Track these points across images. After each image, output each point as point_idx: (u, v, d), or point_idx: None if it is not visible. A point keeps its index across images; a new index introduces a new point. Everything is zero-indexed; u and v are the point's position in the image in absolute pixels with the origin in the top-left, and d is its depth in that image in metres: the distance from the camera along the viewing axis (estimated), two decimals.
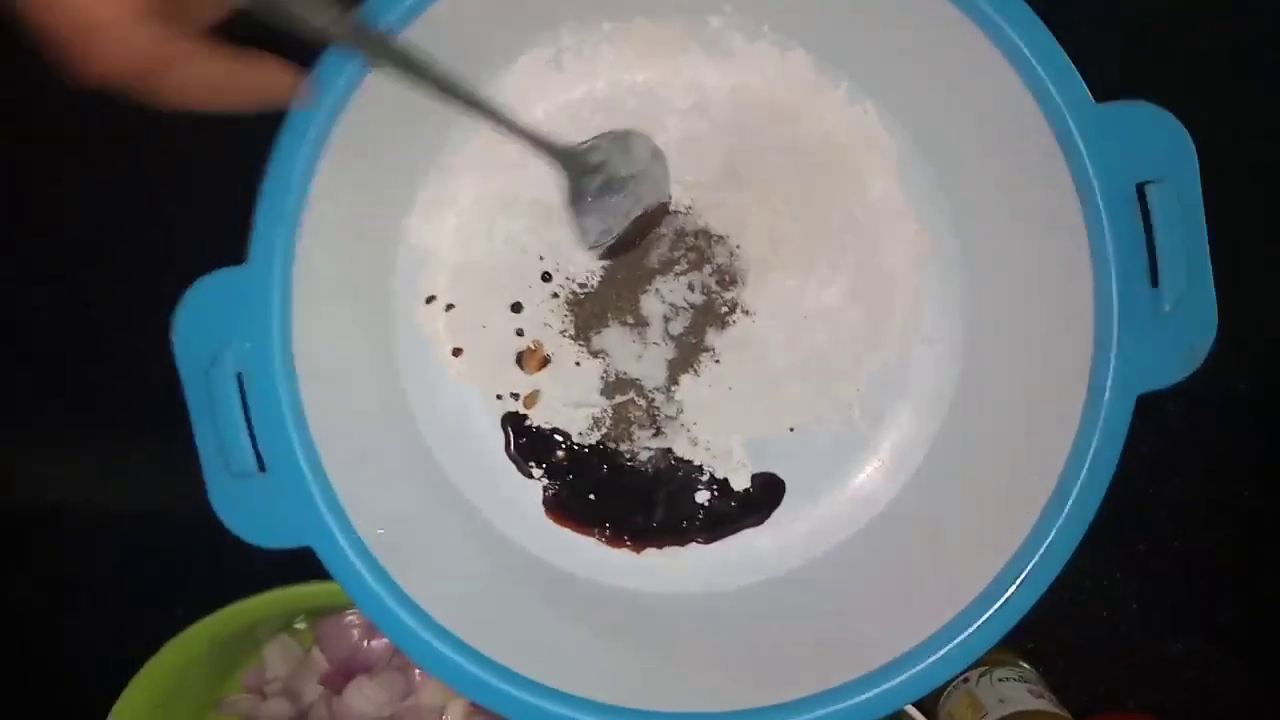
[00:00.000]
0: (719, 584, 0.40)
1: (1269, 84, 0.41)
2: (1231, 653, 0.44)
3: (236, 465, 0.31)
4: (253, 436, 0.32)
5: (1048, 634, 0.43)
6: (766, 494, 0.40)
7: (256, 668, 0.42)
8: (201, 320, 0.31)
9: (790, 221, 0.39)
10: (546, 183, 0.38)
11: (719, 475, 0.40)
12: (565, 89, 0.39)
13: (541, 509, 0.40)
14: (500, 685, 0.33)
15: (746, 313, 0.39)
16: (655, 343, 0.39)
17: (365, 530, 0.32)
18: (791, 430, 0.40)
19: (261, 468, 0.32)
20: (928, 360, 0.39)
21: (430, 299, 0.40)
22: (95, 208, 0.43)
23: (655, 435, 0.40)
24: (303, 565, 0.33)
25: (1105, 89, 0.31)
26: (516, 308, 0.40)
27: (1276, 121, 0.41)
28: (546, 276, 0.39)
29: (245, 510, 0.32)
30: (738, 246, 0.39)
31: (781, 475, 0.40)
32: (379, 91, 0.32)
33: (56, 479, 0.45)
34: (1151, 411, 0.32)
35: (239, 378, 0.31)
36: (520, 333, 0.40)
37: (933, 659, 0.32)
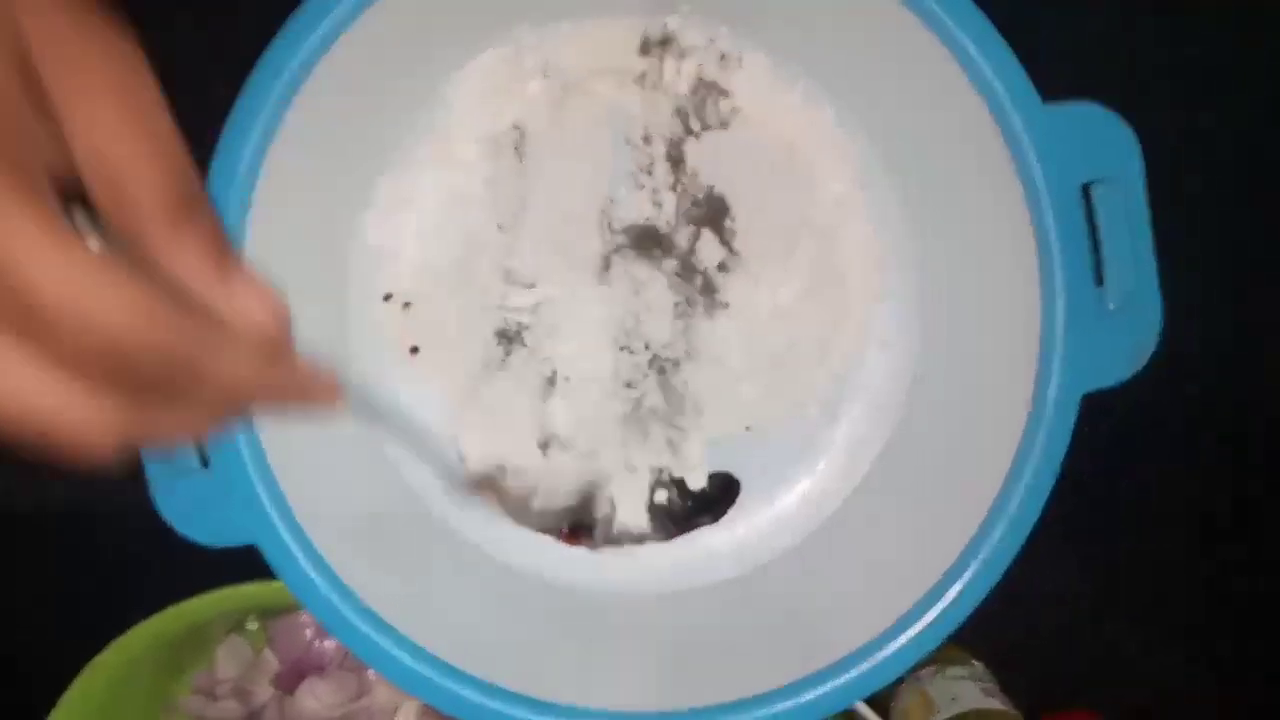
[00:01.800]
0: (674, 583, 0.40)
1: (1218, 86, 0.42)
2: (1186, 653, 0.44)
3: (179, 461, 0.31)
4: None
5: (1001, 633, 0.43)
6: (723, 493, 0.40)
7: (207, 669, 0.41)
8: None
9: (746, 222, 0.39)
10: None
11: (676, 474, 0.40)
12: (519, 90, 0.39)
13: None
14: (449, 685, 0.33)
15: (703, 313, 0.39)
16: None
17: (312, 528, 0.32)
18: (748, 430, 0.40)
19: (204, 464, 0.31)
20: (883, 361, 0.39)
21: (387, 296, 0.39)
22: None
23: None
24: (256, 565, 0.33)
25: (1055, 90, 0.31)
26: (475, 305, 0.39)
27: (1225, 124, 0.42)
28: (508, 275, 0.39)
29: (189, 508, 0.32)
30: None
31: (738, 475, 0.40)
32: (329, 84, 0.32)
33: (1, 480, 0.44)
34: (1102, 413, 0.32)
35: None
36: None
37: (880, 656, 0.32)
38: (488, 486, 0.37)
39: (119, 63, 0.16)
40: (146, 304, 0.15)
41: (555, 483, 0.39)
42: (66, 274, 0.14)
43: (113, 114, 0.16)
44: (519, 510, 0.38)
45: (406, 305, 0.39)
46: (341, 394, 0.24)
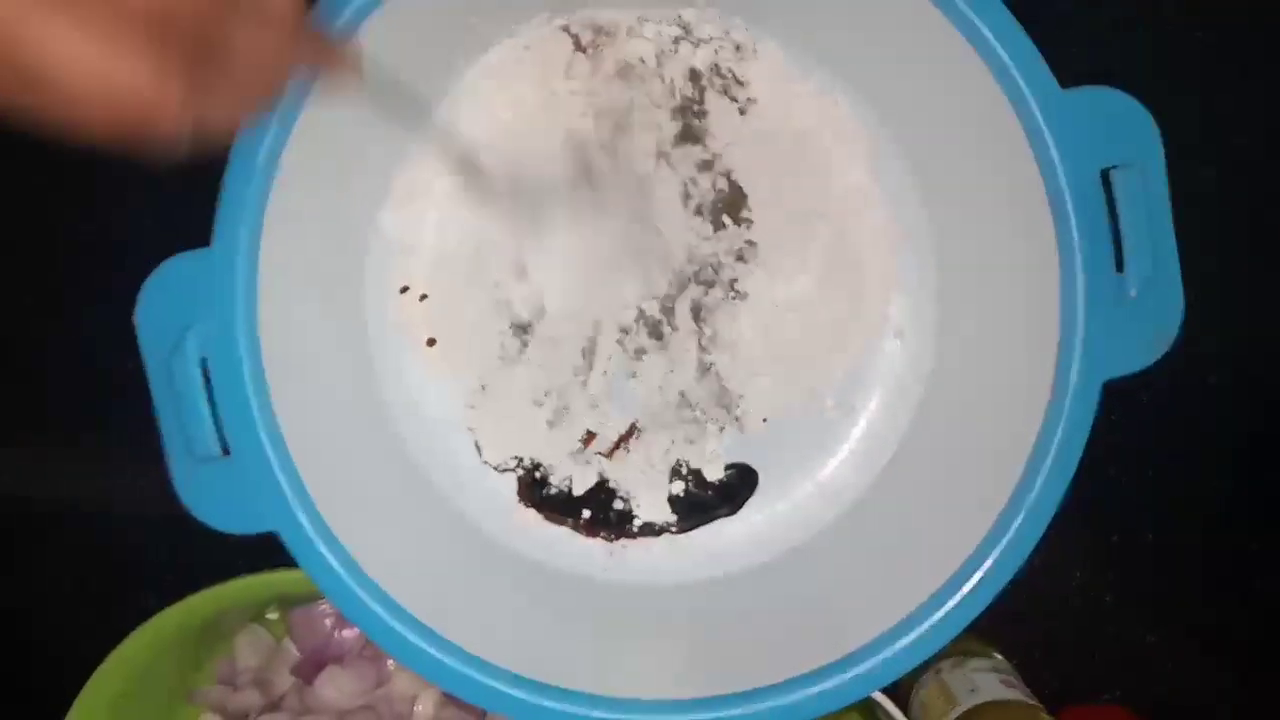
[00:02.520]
0: (692, 574, 0.39)
1: (1239, 73, 0.42)
2: (1207, 645, 0.44)
3: (200, 449, 0.31)
4: (217, 422, 0.32)
5: (1022, 625, 0.43)
6: (740, 484, 0.40)
7: (227, 658, 0.42)
8: (166, 303, 0.31)
9: (762, 211, 0.39)
10: None
11: (693, 465, 0.40)
12: (535, 81, 0.39)
13: (514, 498, 0.40)
14: (470, 673, 0.33)
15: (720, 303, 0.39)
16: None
17: (331, 516, 0.32)
18: (765, 421, 0.40)
19: (225, 451, 0.31)
20: (900, 351, 0.39)
21: (404, 289, 0.39)
22: (56, 187, 0.43)
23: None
24: (276, 554, 0.33)
25: (1073, 76, 0.31)
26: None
27: (1246, 112, 0.41)
28: (520, 269, 0.39)
29: (209, 495, 0.32)
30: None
31: (755, 466, 0.40)
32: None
33: (19, 470, 0.44)
34: (1123, 403, 0.32)
35: (203, 362, 0.31)
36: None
37: (899, 646, 0.32)
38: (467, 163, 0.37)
39: None
40: None
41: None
42: None
43: None
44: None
45: (423, 297, 0.39)
46: (360, 63, 0.27)
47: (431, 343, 0.40)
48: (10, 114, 0.18)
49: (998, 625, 0.41)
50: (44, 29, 0.17)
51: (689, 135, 0.39)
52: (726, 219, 0.39)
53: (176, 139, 0.18)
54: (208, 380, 0.31)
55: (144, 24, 0.17)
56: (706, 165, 0.39)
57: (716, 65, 0.38)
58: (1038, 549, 0.32)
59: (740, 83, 0.39)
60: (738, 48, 0.38)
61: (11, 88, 0.17)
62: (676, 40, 0.38)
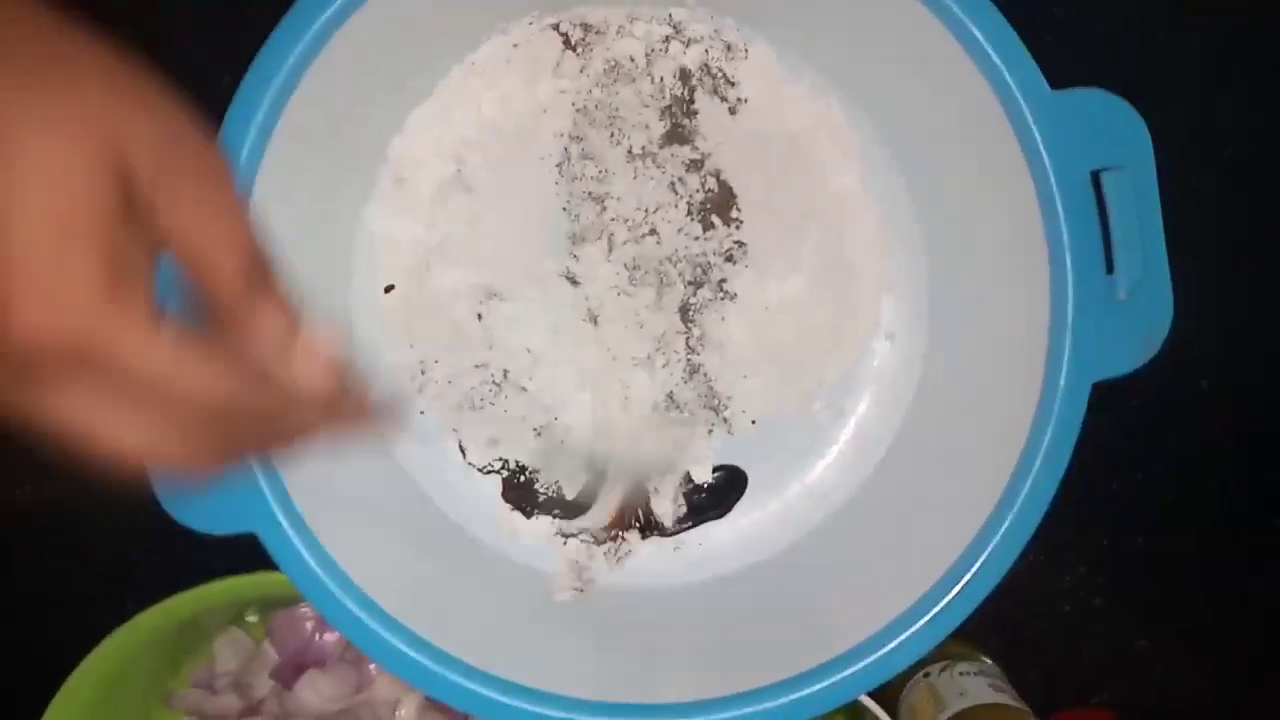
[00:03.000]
0: (680, 577, 0.39)
1: (1231, 76, 0.42)
2: (1197, 649, 0.44)
3: None
4: None
5: (1011, 630, 0.42)
6: (729, 486, 0.40)
7: (206, 662, 0.41)
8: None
9: (751, 213, 0.39)
10: None
11: (681, 468, 0.39)
12: (524, 79, 0.38)
13: (498, 500, 0.39)
14: (452, 677, 0.32)
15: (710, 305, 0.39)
16: None
17: (312, 517, 0.32)
18: (754, 423, 0.39)
19: None
20: (890, 353, 0.39)
21: (389, 288, 0.39)
22: None
23: None
24: (256, 557, 0.33)
25: (1064, 78, 0.31)
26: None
27: (1238, 115, 0.42)
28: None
29: (188, 496, 0.31)
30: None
31: (744, 468, 0.40)
32: (329, 75, 0.32)
33: None
34: (1113, 406, 0.32)
35: None
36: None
37: (886, 649, 0.32)
38: None
39: (207, 166, 0.20)
40: (224, 378, 0.19)
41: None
42: (163, 363, 0.18)
43: (203, 211, 0.19)
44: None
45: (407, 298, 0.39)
46: (399, 421, 0.29)
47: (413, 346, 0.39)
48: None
49: (986, 629, 0.41)
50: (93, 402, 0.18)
51: (677, 135, 0.38)
52: (716, 219, 0.39)
53: (203, 485, 0.22)
54: None
55: (184, 413, 0.19)
56: (696, 165, 0.38)
57: (707, 65, 0.38)
58: (1027, 552, 0.32)
59: (731, 82, 0.38)
60: (728, 47, 0.38)
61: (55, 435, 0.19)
62: (667, 39, 0.38)
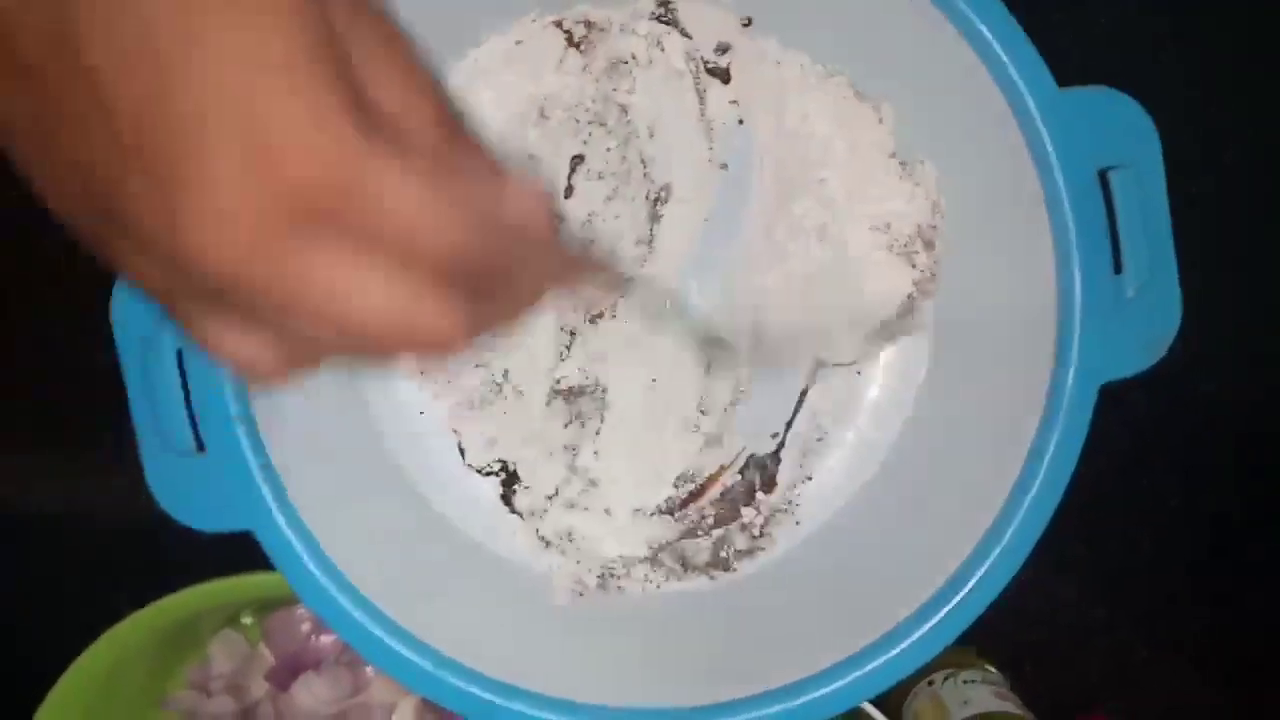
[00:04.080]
0: (676, 583, 0.39)
1: (1240, 77, 0.41)
2: (1200, 659, 0.43)
3: (175, 443, 0.30)
4: (192, 416, 0.31)
5: (1013, 638, 0.42)
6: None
7: (201, 664, 0.41)
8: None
9: (758, 211, 0.38)
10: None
11: None
12: (527, 77, 0.38)
13: (498, 501, 0.39)
14: (450, 679, 0.32)
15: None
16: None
17: (309, 515, 0.31)
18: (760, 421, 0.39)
19: (201, 447, 0.31)
20: (891, 354, 0.38)
21: None
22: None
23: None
24: (251, 557, 0.32)
25: (1071, 77, 0.31)
26: None
27: (1245, 117, 0.41)
28: None
29: (183, 492, 0.31)
30: None
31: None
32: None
33: None
34: (1118, 412, 0.32)
35: (179, 354, 0.30)
36: None
37: (890, 655, 0.32)
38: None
39: (390, 25, 0.19)
40: (473, 219, 0.18)
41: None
42: (417, 205, 0.17)
43: (396, 58, 0.18)
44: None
45: None
46: (621, 279, 0.28)
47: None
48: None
49: (988, 637, 0.40)
50: (336, 258, 0.17)
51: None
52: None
53: (456, 352, 0.19)
54: (183, 374, 0.31)
55: (432, 265, 0.18)
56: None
57: (706, 60, 0.38)
58: (1030, 560, 0.32)
59: (731, 79, 0.38)
60: (730, 45, 0.38)
61: (292, 314, 0.17)
62: (667, 35, 0.38)
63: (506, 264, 0.20)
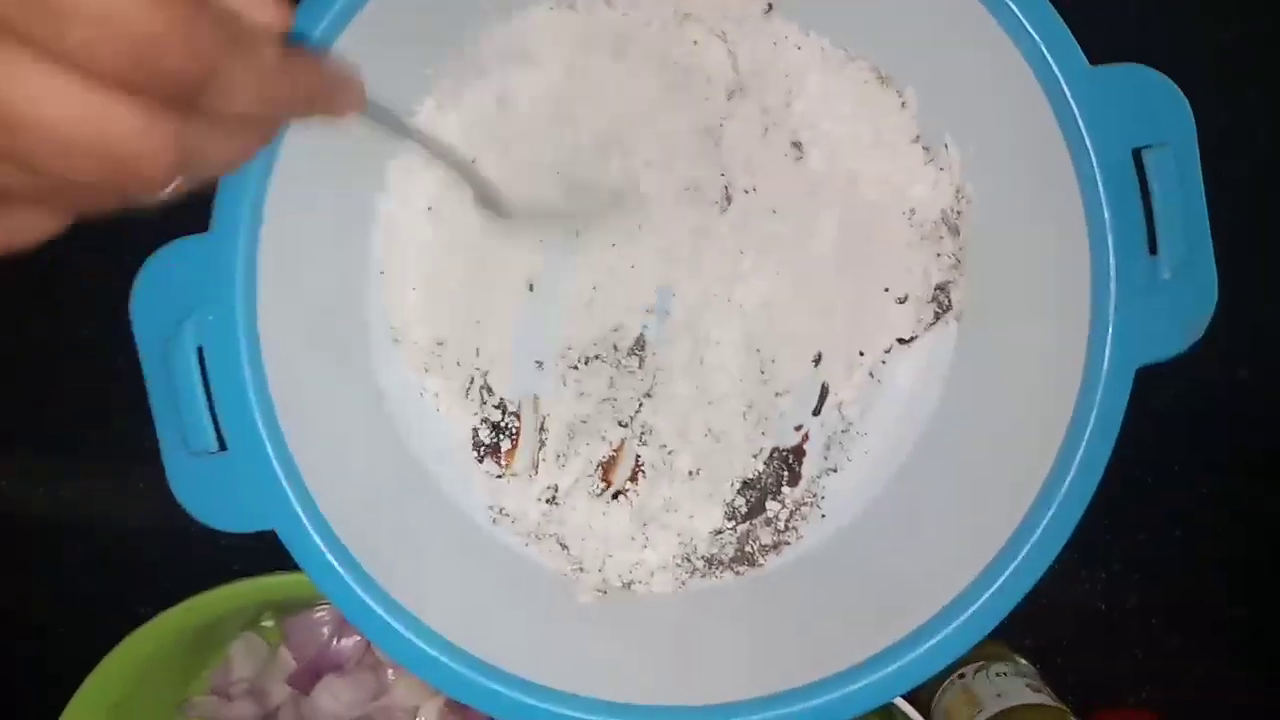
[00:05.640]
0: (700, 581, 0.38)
1: (1267, 65, 0.41)
2: (1234, 648, 0.43)
3: (195, 443, 0.30)
4: (214, 416, 0.30)
5: (1046, 629, 0.41)
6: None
7: (221, 667, 0.40)
8: (162, 290, 0.30)
9: (783, 197, 0.38)
10: None
11: None
12: (540, 67, 0.38)
13: (522, 501, 0.38)
14: (478, 679, 0.31)
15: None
16: None
17: (331, 513, 0.31)
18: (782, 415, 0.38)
19: (222, 446, 0.30)
20: (919, 341, 0.38)
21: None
22: None
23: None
24: (272, 558, 0.32)
25: (1103, 54, 0.30)
26: None
27: (1275, 102, 0.41)
28: None
29: (205, 492, 0.30)
30: None
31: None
32: (349, 60, 0.31)
33: (8, 476, 0.43)
34: (1151, 399, 0.31)
35: (199, 351, 0.30)
36: None
37: (921, 650, 0.31)
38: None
39: None
40: (171, 7, 0.16)
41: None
42: None
43: None
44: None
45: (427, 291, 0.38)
46: (363, 94, 0.24)
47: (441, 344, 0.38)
48: None
49: (1019, 629, 0.40)
50: (17, 70, 0.15)
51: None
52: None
53: (168, 181, 0.17)
54: (204, 372, 0.30)
55: (128, 66, 0.16)
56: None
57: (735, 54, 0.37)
58: (1066, 548, 0.31)
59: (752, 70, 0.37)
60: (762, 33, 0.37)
61: None
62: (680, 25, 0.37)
63: (214, 66, 0.17)
